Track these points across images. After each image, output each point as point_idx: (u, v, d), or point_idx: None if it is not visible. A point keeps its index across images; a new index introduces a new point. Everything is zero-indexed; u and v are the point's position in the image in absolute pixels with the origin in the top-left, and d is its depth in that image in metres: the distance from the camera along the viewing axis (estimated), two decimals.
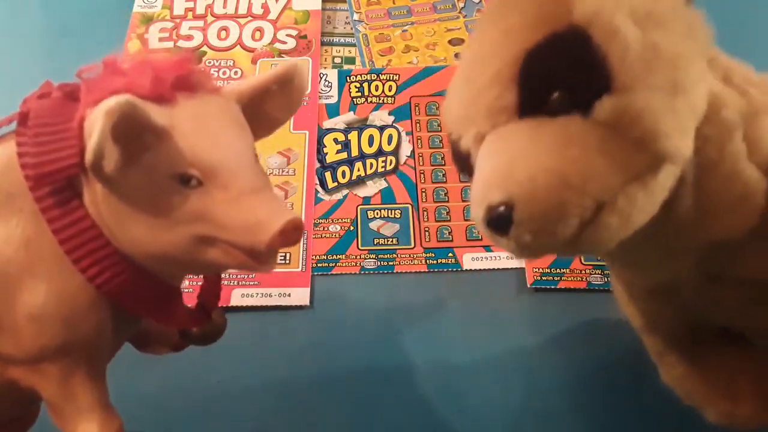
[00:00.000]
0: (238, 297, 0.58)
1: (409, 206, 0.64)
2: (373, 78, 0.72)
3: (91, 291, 0.35)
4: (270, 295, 0.58)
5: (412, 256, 0.61)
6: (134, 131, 0.31)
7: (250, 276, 0.59)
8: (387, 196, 0.64)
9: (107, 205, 0.34)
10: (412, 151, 0.67)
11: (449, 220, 0.63)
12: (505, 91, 0.32)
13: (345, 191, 0.65)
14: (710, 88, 0.33)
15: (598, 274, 0.58)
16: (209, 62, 0.73)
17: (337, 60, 0.75)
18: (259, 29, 0.76)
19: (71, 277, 0.35)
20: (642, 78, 0.30)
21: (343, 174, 0.66)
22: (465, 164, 0.35)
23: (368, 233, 0.62)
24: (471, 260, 0.61)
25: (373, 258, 0.61)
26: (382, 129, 0.69)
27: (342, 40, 0.77)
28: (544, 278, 0.59)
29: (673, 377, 0.44)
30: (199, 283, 0.42)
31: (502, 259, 0.61)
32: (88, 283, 0.35)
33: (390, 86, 0.71)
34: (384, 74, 0.72)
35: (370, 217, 0.63)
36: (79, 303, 0.36)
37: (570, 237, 0.31)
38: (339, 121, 0.69)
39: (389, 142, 0.68)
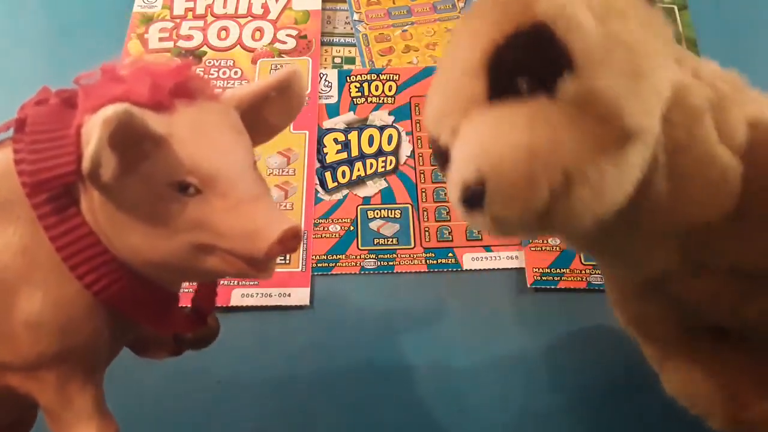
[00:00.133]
0: (238, 297, 0.58)
1: (409, 206, 0.64)
2: (373, 78, 0.72)
3: (88, 298, 0.35)
4: (270, 295, 0.58)
5: (412, 256, 0.61)
6: (132, 140, 0.31)
7: None
8: (387, 196, 0.64)
9: (104, 213, 0.34)
10: (412, 151, 0.67)
11: (449, 220, 0.63)
12: (474, 80, 0.34)
13: (345, 191, 0.65)
14: (677, 78, 0.34)
15: (598, 274, 0.58)
16: (209, 62, 0.73)
17: (337, 60, 0.75)
18: (259, 29, 0.75)
19: (68, 284, 0.35)
20: (602, 62, 0.32)
21: (343, 174, 0.66)
22: (445, 161, 0.36)
23: (368, 233, 0.62)
24: (471, 260, 0.61)
25: (373, 258, 0.61)
26: (382, 129, 0.69)
27: (342, 40, 0.77)
28: (544, 278, 0.59)
29: (675, 384, 0.44)
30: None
31: (502, 259, 0.61)
32: (85, 290, 0.35)
33: (390, 86, 0.71)
34: (384, 74, 0.72)
35: (370, 217, 0.63)
36: (76, 310, 0.35)
37: (542, 209, 0.32)
38: (339, 121, 0.69)
39: (389, 142, 0.68)
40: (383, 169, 0.66)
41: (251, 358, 0.55)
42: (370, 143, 0.68)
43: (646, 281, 0.41)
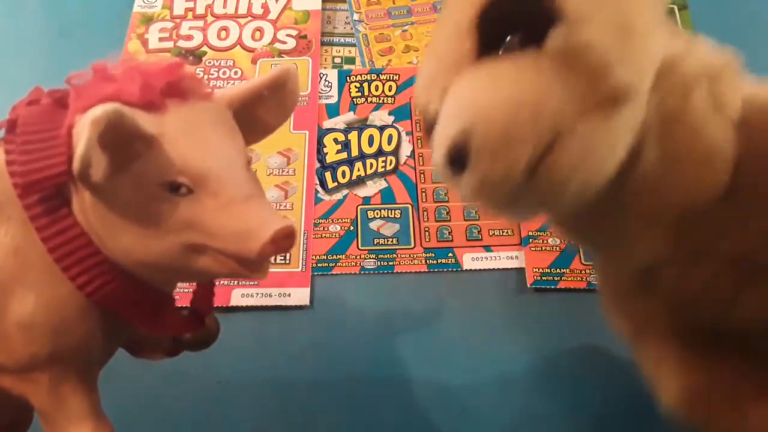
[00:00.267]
0: (238, 297, 0.58)
1: (409, 206, 0.64)
2: (373, 78, 0.72)
3: (81, 299, 0.35)
4: (270, 295, 0.58)
5: (412, 256, 0.61)
6: (122, 140, 0.31)
7: None
8: (387, 196, 0.64)
9: (96, 213, 0.33)
10: (412, 151, 0.67)
11: (449, 220, 0.63)
12: (464, 39, 0.33)
13: (345, 191, 0.65)
14: (671, 44, 0.34)
15: None
16: (209, 62, 0.73)
17: (337, 60, 0.75)
18: (259, 29, 0.75)
19: (61, 286, 0.35)
20: (593, 16, 0.31)
21: (343, 174, 0.66)
22: (433, 131, 0.35)
23: (368, 233, 0.62)
24: (471, 260, 0.61)
25: (373, 258, 0.61)
26: (382, 129, 0.69)
27: (342, 40, 0.77)
28: (544, 278, 0.59)
29: (671, 390, 0.42)
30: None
31: (502, 259, 0.61)
32: (77, 291, 0.35)
33: (390, 86, 0.71)
34: (384, 74, 0.72)
35: (370, 217, 0.63)
36: (69, 311, 0.35)
37: (527, 166, 0.31)
38: (339, 121, 0.69)
39: (389, 142, 0.68)
40: (383, 169, 0.66)
41: (251, 358, 0.55)
42: (370, 143, 0.68)
43: (640, 276, 0.40)
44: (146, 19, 0.76)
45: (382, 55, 0.75)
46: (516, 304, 0.58)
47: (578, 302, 0.58)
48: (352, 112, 0.70)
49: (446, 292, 0.59)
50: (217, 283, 0.42)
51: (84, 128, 0.30)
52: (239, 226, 0.33)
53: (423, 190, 0.65)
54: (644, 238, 0.37)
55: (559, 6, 0.31)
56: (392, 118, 0.69)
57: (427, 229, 0.63)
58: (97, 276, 0.35)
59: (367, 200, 0.64)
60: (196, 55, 0.73)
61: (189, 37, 0.75)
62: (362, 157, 0.67)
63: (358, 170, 0.66)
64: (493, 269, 0.60)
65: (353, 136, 0.68)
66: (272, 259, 0.36)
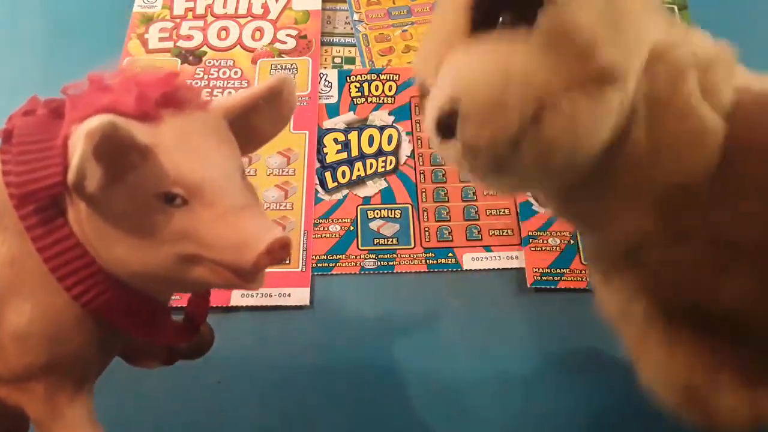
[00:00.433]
0: (238, 297, 0.58)
1: (409, 206, 0.64)
2: (373, 78, 0.72)
3: (76, 309, 0.35)
4: (270, 295, 0.58)
5: (412, 256, 0.61)
6: (117, 151, 0.31)
7: None
8: (387, 196, 0.64)
9: (91, 224, 0.33)
10: (412, 151, 0.67)
11: (449, 220, 0.63)
12: (459, 17, 0.34)
13: (345, 191, 0.65)
14: (664, 30, 0.35)
15: None
16: (209, 62, 0.73)
17: (337, 60, 0.75)
18: (259, 29, 0.75)
19: (56, 296, 0.35)
20: None
21: (343, 174, 0.66)
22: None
23: (368, 233, 0.62)
24: (471, 260, 0.61)
25: (373, 258, 0.61)
26: (382, 129, 0.69)
27: (342, 40, 0.77)
28: (544, 278, 0.59)
29: (651, 369, 0.42)
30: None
31: (502, 259, 0.61)
32: (73, 302, 0.35)
33: (390, 86, 0.71)
34: (384, 74, 0.72)
35: (370, 217, 0.63)
36: (65, 321, 0.35)
37: (515, 136, 0.32)
38: (339, 121, 0.69)
39: (389, 142, 0.68)
40: (383, 169, 0.66)
41: (251, 358, 0.55)
42: (370, 143, 0.68)
43: (626, 255, 0.40)
44: (146, 19, 0.76)
45: (382, 55, 0.75)
46: (516, 304, 0.58)
47: (578, 302, 0.58)
48: (352, 112, 0.70)
49: (446, 292, 0.59)
50: (212, 290, 0.42)
51: (79, 140, 0.30)
52: (234, 237, 0.32)
53: (423, 190, 0.65)
54: (630, 216, 0.38)
55: None
56: (392, 118, 0.69)
57: (427, 229, 0.63)
58: (93, 286, 0.35)
59: (367, 200, 0.64)
60: (196, 55, 0.73)
61: (189, 37, 0.75)
62: (362, 157, 0.67)
63: (358, 170, 0.66)
64: (493, 269, 0.60)
65: (353, 136, 0.68)
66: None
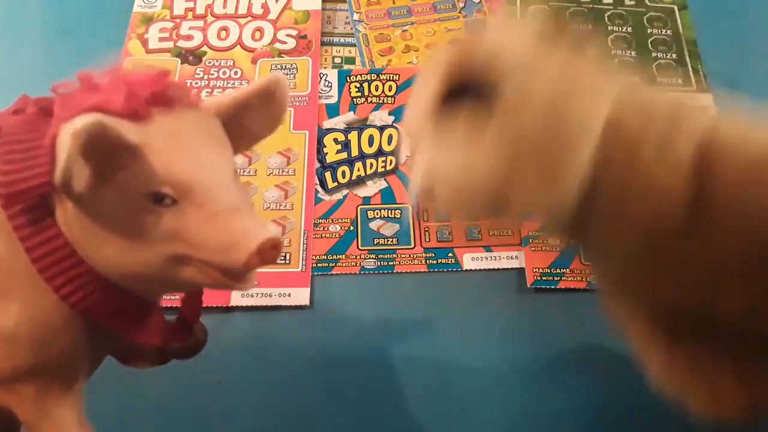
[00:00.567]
0: (238, 297, 0.58)
1: (410, 206, 0.64)
2: (373, 78, 0.72)
3: (65, 309, 0.35)
4: (270, 295, 0.58)
5: (412, 256, 0.61)
6: (105, 151, 0.30)
7: None
8: (387, 196, 0.64)
9: (79, 224, 0.33)
10: None
11: (449, 220, 0.63)
12: (429, 103, 0.38)
13: (345, 191, 0.65)
14: (616, 101, 0.37)
15: None
16: (209, 62, 0.73)
17: (337, 60, 0.75)
18: (259, 29, 0.75)
19: (45, 296, 0.34)
20: (526, 99, 0.35)
21: (343, 174, 0.66)
22: None
23: (368, 233, 0.62)
24: (471, 260, 0.61)
25: (373, 258, 0.61)
26: (382, 129, 0.69)
27: (342, 40, 0.77)
28: (544, 278, 0.59)
29: (656, 366, 0.44)
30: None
31: (502, 259, 0.61)
32: (61, 302, 0.34)
33: (390, 86, 0.71)
34: (384, 74, 0.72)
35: (370, 217, 0.63)
36: (53, 322, 0.35)
37: (485, 213, 0.38)
38: (339, 121, 0.69)
39: (389, 142, 0.68)
40: (383, 169, 0.66)
41: (251, 358, 0.55)
42: (370, 143, 0.68)
43: (624, 273, 0.42)
44: (146, 19, 0.76)
45: (382, 55, 0.75)
46: (516, 304, 0.58)
47: (578, 302, 0.58)
48: (352, 112, 0.70)
49: (446, 292, 0.59)
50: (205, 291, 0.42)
51: (65, 140, 0.29)
52: (224, 238, 0.32)
53: None
54: (621, 244, 0.40)
55: (500, 88, 0.35)
56: (392, 118, 0.69)
57: (427, 229, 0.63)
58: (81, 287, 0.34)
59: (367, 200, 0.64)
60: (196, 55, 0.73)
61: (189, 37, 0.75)
62: (362, 157, 0.67)
63: (358, 170, 0.66)
64: (493, 269, 0.60)
65: (353, 136, 0.68)
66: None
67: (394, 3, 0.79)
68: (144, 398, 0.52)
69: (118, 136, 0.30)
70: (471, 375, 0.54)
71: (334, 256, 0.61)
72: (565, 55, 0.37)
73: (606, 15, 0.77)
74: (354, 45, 0.76)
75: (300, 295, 0.58)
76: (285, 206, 0.63)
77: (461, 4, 0.79)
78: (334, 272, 0.60)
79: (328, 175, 0.66)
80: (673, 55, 0.73)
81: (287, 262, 0.60)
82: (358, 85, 0.72)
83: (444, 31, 0.76)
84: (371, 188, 0.65)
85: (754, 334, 0.39)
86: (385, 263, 0.61)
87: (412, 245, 0.62)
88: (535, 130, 0.35)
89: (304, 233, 0.62)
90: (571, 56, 0.37)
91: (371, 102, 0.70)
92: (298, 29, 0.75)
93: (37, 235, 0.34)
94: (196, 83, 0.71)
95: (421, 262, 0.61)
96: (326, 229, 0.63)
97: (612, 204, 0.37)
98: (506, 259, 0.61)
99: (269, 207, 0.63)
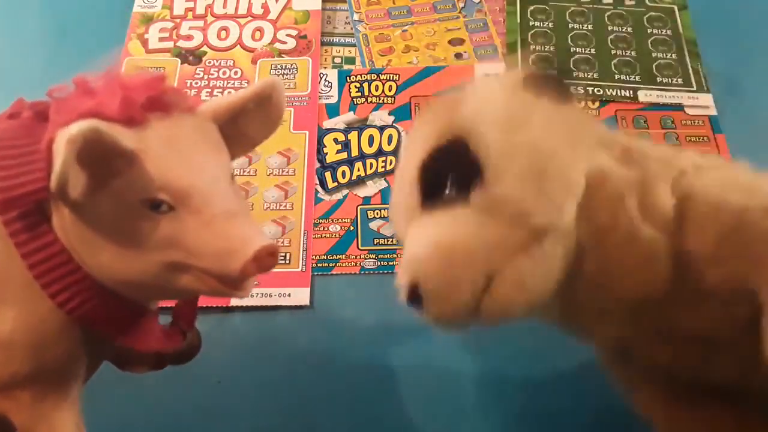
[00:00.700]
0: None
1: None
2: (373, 78, 0.72)
3: (61, 316, 0.35)
4: (270, 295, 0.58)
5: None
6: (100, 157, 0.30)
7: None
8: (387, 196, 0.64)
9: (76, 230, 0.33)
10: None
11: None
12: (412, 190, 0.37)
13: (345, 191, 0.65)
14: (596, 164, 0.37)
15: None
16: (209, 62, 0.73)
17: (337, 60, 0.75)
18: (259, 29, 0.76)
19: (41, 302, 0.34)
20: (506, 169, 0.35)
21: (343, 174, 0.66)
22: None
23: (368, 233, 0.62)
24: None
25: (373, 258, 0.61)
26: (382, 129, 0.69)
27: (342, 40, 0.77)
28: None
29: (663, 426, 0.45)
30: None
31: None
32: (58, 308, 0.34)
33: (390, 86, 0.71)
34: (384, 74, 0.72)
35: (370, 217, 0.63)
36: (49, 328, 0.35)
37: (470, 305, 0.35)
38: (339, 121, 0.69)
39: (389, 142, 0.68)
40: (383, 169, 0.66)
41: (251, 358, 0.55)
42: (370, 143, 0.68)
43: (616, 350, 0.44)
44: (146, 19, 0.76)
45: (382, 55, 0.75)
46: None
47: None
48: (352, 112, 0.70)
49: None
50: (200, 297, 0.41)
51: (61, 146, 0.29)
52: (221, 245, 0.32)
53: None
54: (607, 324, 0.40)
55: (480, 164, 0.35)
56: (392, 118, 0.69)
57: None
58: (78, 293, 0.34)
59: (367, 200, 0.64)
60: (196, 55, 0.73)
61: (189, 37, 0.75)
62: (362, 157, 0.67)
63: (358, 170, 0.66)
64: None
65: (353, 136, 0.68)
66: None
67: (394, 3, 0.79)
68: (144, 398, 0.52)
69: (113, 142, 0.30)
70: (470, 375, 0.54)
71: (334, 256, 0.61)
72: (548, 107, 0.37)
73: (606, 15, 0.77)
74: (354, 45, 0.76)
75: (300, 295, 0.58)
76: (285, 206, 0.63)
77: (461, 4, 0.79)
78: (334, 272, 0.60)
79: (328, 175, 0.66)
80: (673, 55, 0.73)
81: (287, 262, 0.60)
82: (358, 85, 0.72)
83: (444, 31, 0.76)
84: (371, 188, 0.65)
85: (751, 391, 0.40)
86: (385, 263, 0.61)
87: None
88: (517, 190, 0.35)
89: (304, 233, 0.62)
90: (553, 108, 0.37)
91: (371, 102, 0.70)
92: (298, 29, 0.76)
93: (34, 241, 0.33)
94: (196, 83, 0.71)
95: None
96: (326, 229, 0.63)
97: (597, 272, 0.37)
98: None
99: (269, 207, 0.63)
